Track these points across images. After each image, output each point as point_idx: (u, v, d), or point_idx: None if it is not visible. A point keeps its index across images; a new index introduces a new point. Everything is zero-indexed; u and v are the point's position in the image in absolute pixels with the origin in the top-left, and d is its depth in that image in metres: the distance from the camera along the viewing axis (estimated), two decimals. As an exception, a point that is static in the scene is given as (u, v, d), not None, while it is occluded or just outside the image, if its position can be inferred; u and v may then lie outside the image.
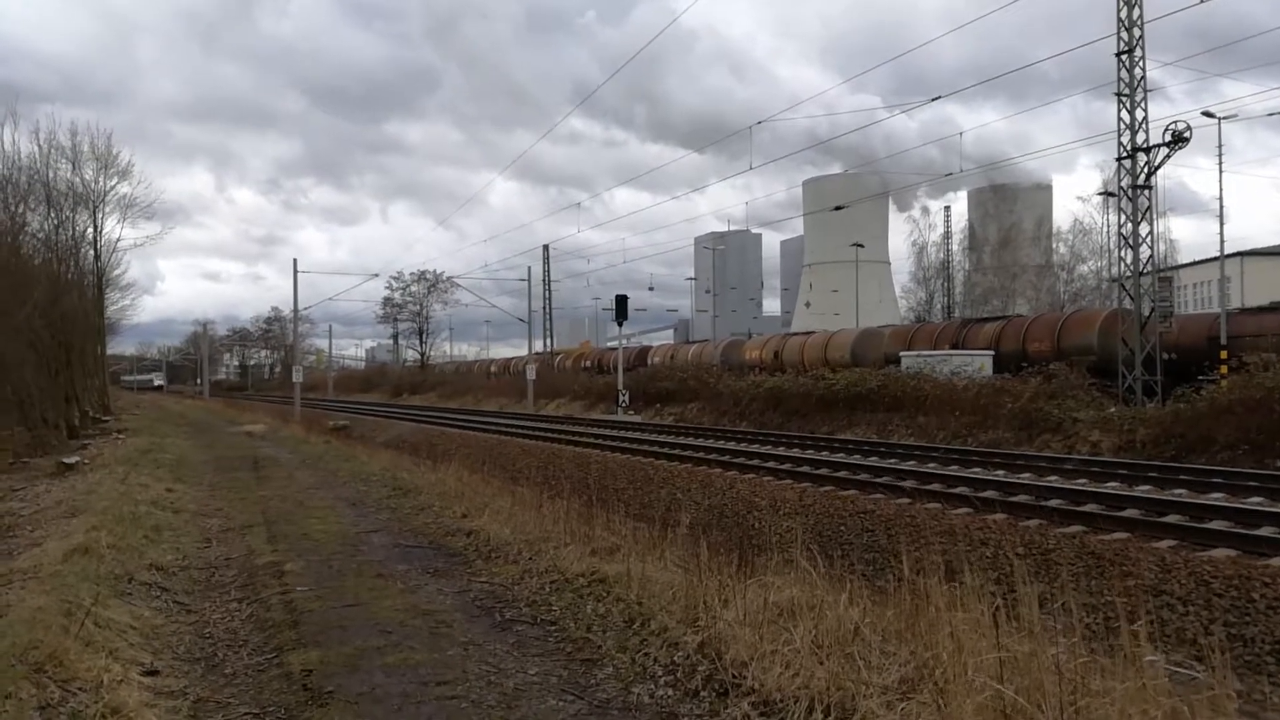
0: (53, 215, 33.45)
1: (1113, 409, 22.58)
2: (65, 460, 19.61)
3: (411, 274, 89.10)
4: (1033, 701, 3.91)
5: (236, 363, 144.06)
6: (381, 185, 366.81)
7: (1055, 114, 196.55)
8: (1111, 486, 14.18)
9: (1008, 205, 79.75)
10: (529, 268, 57.33)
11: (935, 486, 14.30)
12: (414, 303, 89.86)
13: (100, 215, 38.75)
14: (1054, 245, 74.06)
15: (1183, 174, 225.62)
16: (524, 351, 65.35)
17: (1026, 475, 15.86)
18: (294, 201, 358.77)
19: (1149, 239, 25.43)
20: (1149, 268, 25.42)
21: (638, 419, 37.23)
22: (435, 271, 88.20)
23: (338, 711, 4.93)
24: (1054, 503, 12.64)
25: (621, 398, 40.13)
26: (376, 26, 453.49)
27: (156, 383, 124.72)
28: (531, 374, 48.15)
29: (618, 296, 42.80)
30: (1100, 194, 55.25)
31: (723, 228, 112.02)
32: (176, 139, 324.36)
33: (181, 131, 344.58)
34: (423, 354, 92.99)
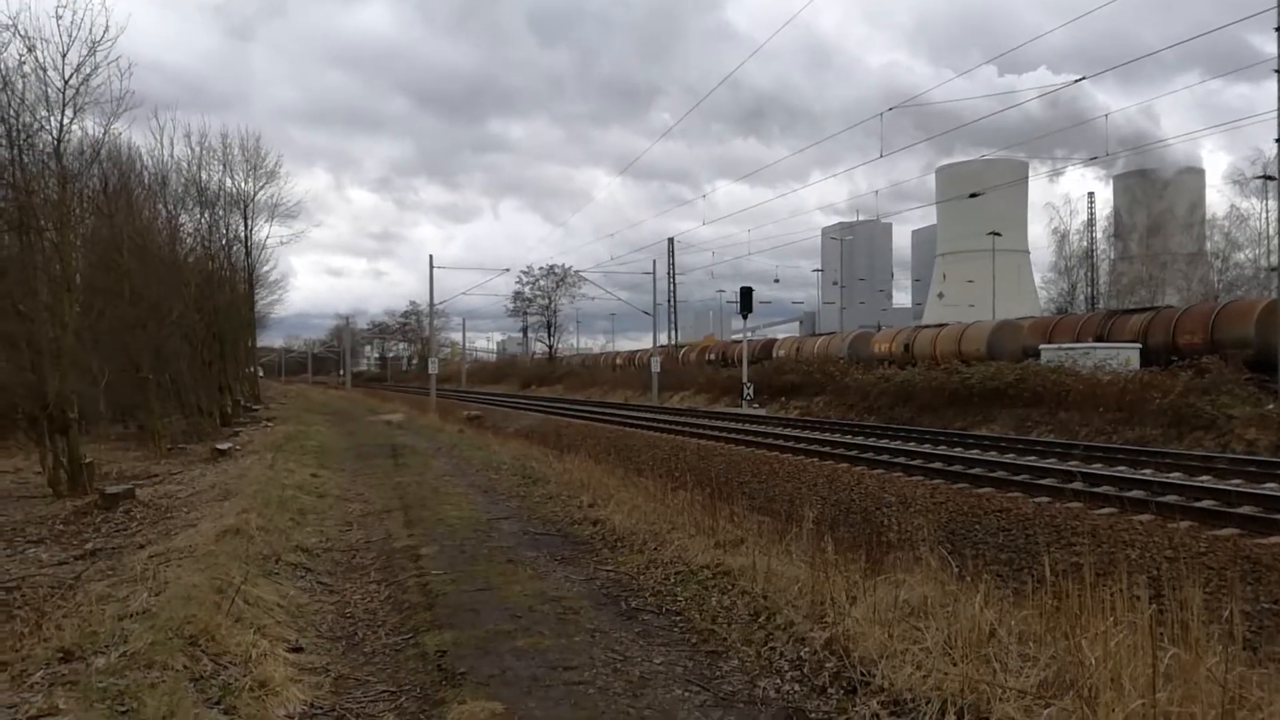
0: (206, 215, 35.47)
1: (1271, 405, 21.19)
2: (219, 446, 20.71)
3: (540, 268, 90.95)
4: (1187, 712, 3.69)
5: (376, 355, 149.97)
6: (490, 183, 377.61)
7: (1175, 97, 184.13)
8: (1270, 488, 13.28)
9: (1156, 191, 75.72)
10: (654, 261, 57.39)
11: (1077, 485, 13.69)
12: (543, 296, 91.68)
13: (250, 214, 40.84)
14: (1207, 232, 69.99)
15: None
16: (647, 344, 65.62)
17: (1176, 474, 15.01)
18: (405, 200, 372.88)
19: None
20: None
21: (762, 412, 36.94)
22: (564, 266, 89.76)
23: (470, 692, 5.04)
24: (1206, 504, 11.94)
25: (746, 390, 39.87)
26: (455, 28, 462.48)
27: None
28: (656, 366, 48.30)
29: (743, 289, 42.56)
30: (1260, 178, 51.74)
31: (838, 220, 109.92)
32: (296, 143, 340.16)
33: (301, 136, 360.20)
34: (550, 347, 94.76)
